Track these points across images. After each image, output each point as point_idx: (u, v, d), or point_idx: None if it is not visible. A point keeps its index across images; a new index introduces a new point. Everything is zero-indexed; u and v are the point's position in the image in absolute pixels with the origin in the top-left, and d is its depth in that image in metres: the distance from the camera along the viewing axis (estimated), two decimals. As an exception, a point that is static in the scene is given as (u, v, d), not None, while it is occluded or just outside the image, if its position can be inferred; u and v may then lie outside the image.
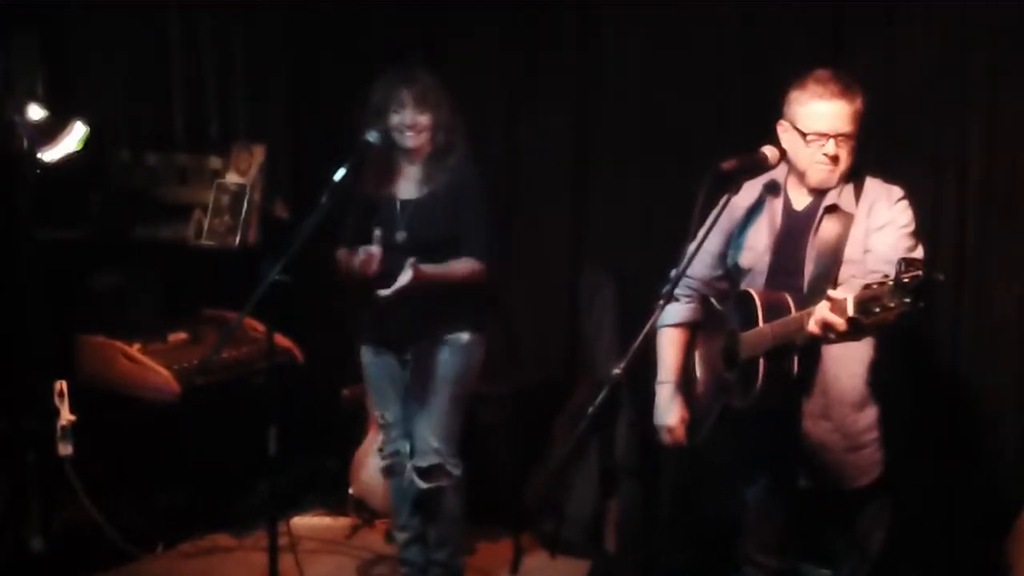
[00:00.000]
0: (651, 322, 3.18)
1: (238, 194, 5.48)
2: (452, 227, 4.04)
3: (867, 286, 2.93)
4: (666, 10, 4.74)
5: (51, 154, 4.67)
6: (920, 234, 3.38)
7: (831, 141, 3.32)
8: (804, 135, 3.34)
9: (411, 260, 3.89)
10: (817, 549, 3.70)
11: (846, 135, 3.32)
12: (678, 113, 4.76)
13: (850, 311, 2.97)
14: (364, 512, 5.07)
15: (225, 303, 5.26)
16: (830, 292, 3.05)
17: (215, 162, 5.64)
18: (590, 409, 3.09)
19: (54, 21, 5.60)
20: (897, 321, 2.88)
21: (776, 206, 3.48)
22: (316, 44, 5.54)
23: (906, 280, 2.84)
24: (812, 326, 3.06)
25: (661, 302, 3.23)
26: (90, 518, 4.59)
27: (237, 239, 5.44)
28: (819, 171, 3.36)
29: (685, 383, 3.63)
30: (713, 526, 3.98)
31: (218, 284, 5.33)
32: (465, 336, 4.14)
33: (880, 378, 3.44)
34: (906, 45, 4.27)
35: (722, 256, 3.58)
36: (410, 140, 4.06)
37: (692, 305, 3.64)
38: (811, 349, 3.30)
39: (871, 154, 3.55)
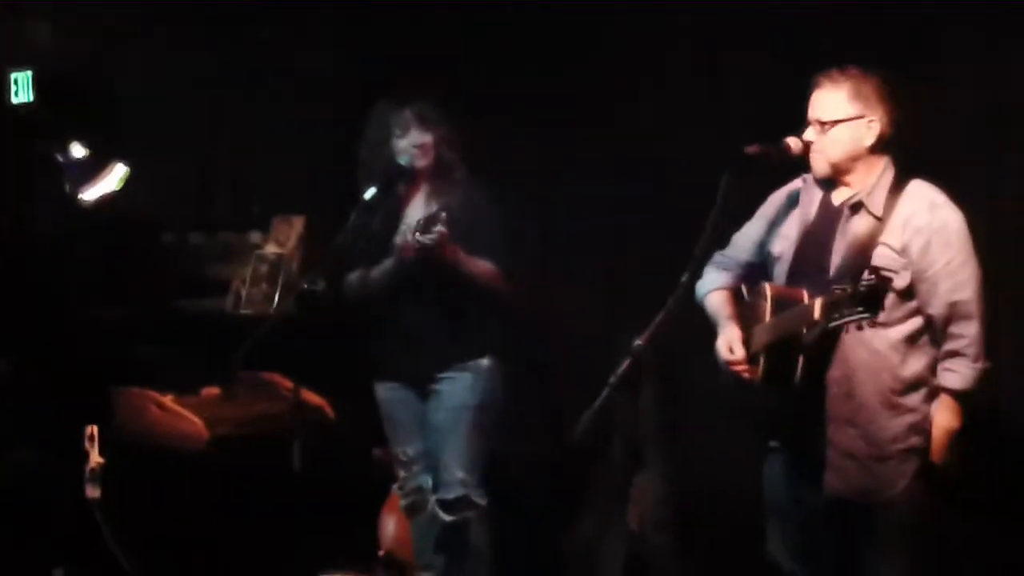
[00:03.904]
0: (677, 293, 3.19)
1: (276, 264, 5.57)
2: (465, 243, 4.02)
3: (832, 291, 3.03)
4: (705, 71, 4.82)
5: (90, 193, 4.76)
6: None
7: (809, 128, 3.38)
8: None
9: (443, 215, 3.87)
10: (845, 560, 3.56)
11: (822, 121, 3.35)
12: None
13: (816, 315, 3.05)
14: (393, 571, 4.97)
15: (262, 368, 5.29)
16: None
17: (256, 237, 5.76)
18: (611, 379, 3.08)
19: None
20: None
21: (813, 197, 3.50)
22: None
23: (862, 289, 2.92)
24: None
25: (685, 277, 3.24)
26: (115, 560, 4.54)
27: (274, 307, 5.50)
28: (812, 159, 3.41)
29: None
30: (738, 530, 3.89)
31: (255, 350, 5.37)
32: (486, 362, 4.13)
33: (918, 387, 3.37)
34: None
35: (760, 244, 3.59)
36: (418, 160, 4.11)
37: (730, 273, 3.63)
38: (821, 352, 3.28)
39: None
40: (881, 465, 3.34)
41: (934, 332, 3.33)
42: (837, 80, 3.37)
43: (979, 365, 3.31)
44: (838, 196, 3.45)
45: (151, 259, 5.89)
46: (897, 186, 3.35)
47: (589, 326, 5.02)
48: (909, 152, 3.42)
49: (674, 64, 4.86)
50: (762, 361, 3.33)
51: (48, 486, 4.53)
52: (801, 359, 3.28)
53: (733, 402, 3.52)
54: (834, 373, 3.32)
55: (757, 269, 3.60)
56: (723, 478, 4.34)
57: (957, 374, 3.31)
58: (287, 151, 5.90)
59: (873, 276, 2.94)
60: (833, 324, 3.00)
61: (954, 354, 3.32)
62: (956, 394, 3.32)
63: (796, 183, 3.54)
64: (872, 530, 3.38)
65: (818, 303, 3.06)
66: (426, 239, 3.86)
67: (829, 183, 3.45)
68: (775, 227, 3.55)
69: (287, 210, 5.79)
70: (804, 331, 3.25)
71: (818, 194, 3.49)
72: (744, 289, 3.59)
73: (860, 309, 2.90)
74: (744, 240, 3.59)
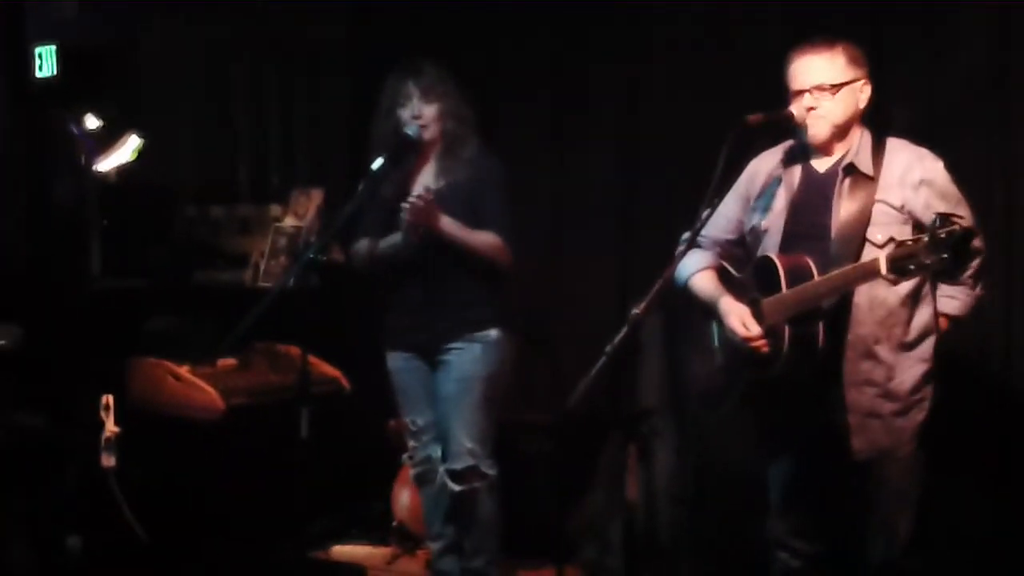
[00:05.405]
0: (673, 265, 3.19)
1: (294, 236, 5.58)
2: (472, 219, 4.05)
3: (901, 243, 3.00)
4: (709, 48, 4.81)
5: (105, 164, 4.79)
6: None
7: (807, 95, 3.37)
8: (792, 96, 3.41)
9: (427, 188, 3.94)
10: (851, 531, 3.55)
11: (821, 86, 3.36)
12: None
13: (883, 270, 3.01)
14: (407, 542, 5.01)
15: (280, 339, 5.31)
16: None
17: (275, 210, 5.77)
18: (608, 348, 3.08)
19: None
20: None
21: (796, 170, 3.50)
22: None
23: (942, 235, 2.89)
24: None
25: (681, 249, 3.24)
26: (130, 528, 4.60)
27: (292, 280, 5.50)
28: (809, 126, 3.39)
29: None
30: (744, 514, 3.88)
31: (272, 322, 5.39)
32: (494, 333, 4.13)
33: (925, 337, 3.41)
34: (947, 58, 4.28)
35: (738, 221, 3.59)
36: (423, 132, 4.10)
37: (710, 253, 3.63)
38: (838, 316, 3.30)
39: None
40: (903, 419, 3.37)
41: (936, 281, 3.42)
42: (833, 46, 3.39)
43: (976, 292, 3.47)
44: (822, 163, 3.46)
45: (171, 231, 5.94)
46: (877, 146, 3.39)
47: (599, 298, 5.02)
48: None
49: (683, 34, 4.83)
50: (787, 332, 3.30)
51: (63, 455, 4.57)
52: (821, 326, 3.29)
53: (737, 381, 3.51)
54: (850, 337, 3.33)
55: (735, 246, 3.62)
56: (733, 451, 4.32)
57: (958, 301, 3.46)
58: (306, 123, 5.92)
59: (952, 224, 2.94)
60: (906, 275, 3.04)
61: (956, 283, 3.45)
62: (954, 320, 3.46)
63: (769, 156, 3.54)
64: (880, 488, 3.40)
65: (883, 257, 3.05)
66: (406, 205, 3.94)
67: (812, 152, 3.46)
68: (755, 201, 3.55)
69: (306, 182, 5.82)
70: (823, 298, 3.27)
71: (799, 164, 3.50)
72: (728, 266, 3.59)
73: (945, 256, 2.92)
74: (720, 219, 3.54)
